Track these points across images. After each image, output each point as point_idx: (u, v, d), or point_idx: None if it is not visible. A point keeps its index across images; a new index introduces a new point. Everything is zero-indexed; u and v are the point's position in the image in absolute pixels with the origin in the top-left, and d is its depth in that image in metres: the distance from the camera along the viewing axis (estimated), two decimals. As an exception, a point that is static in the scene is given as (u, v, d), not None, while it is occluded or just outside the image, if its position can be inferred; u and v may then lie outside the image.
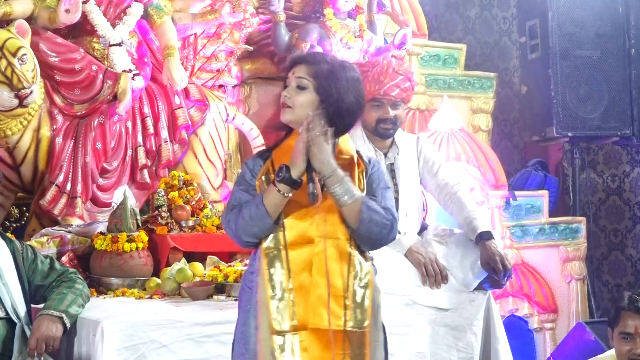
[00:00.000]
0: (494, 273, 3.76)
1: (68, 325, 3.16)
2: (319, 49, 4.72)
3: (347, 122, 2.75)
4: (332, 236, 2.65)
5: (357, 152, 2.82)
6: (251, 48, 4.98)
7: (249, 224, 2.63)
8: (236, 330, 2.77)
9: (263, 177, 2.68)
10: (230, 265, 3.82)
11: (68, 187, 4.12)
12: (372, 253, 3.70)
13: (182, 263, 3.75)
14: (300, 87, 2.69)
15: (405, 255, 3.80)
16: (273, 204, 2.60)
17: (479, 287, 3.86)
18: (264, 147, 2.88)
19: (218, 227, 3.98)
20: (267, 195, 2.61)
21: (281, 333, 2.59)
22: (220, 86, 4.95)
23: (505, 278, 3.81)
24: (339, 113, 2.70)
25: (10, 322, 3.18)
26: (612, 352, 3.55)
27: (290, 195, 2.60)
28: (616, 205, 6.59)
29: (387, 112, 3.96)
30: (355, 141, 3.98)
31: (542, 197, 5.53)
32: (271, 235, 2.65)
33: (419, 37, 5.60)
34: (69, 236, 3.89)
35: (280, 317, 2.59)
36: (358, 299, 2.64)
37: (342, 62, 2.78)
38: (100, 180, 4.31)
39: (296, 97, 2.69)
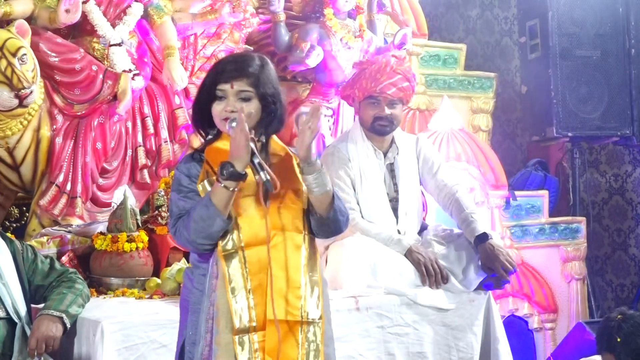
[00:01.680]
0: (493, 274, 3.76)
1: (68, 325, 3.16)
2: (319, 49, 4.72)
3: (283, 118, 2.77)
4: (287, 229, 2.66)
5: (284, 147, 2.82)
6: (251, 48, 4.97)
7: (200, 225, 2.60)
8: (184, 332, 2.75)
9: (205, 181, 2.66)
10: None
11: (68, 187, 4.12)
12: (374, 252, 3.75)
13: (182, 263, 3.75)
14: (245, 99, 2.69)
15: (405, 255, 3.80)
16: (222, 202, 2.58)
17: (479, 287, 3.86)
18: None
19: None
20: (214, 194, 2.59)
21: (243, 334, 2.59)
22: (220, 86, 4.95)
23: (509, 275, 3.82)
24: (278, 110, 2.73)
25: (10, 322, 3.18)
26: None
27: (237, 189, 2.59)
28: (619, 205, 6.58)
29: (383, 110, 3.95)
30: (354, 140, 4.01)
31: (542, 197, 5.53)
32: (227, 237, 2.64)
33: (419, 37, 5.60)
34: (69, 236, 3.89)
35: (242, 318, 2.59)
36: (313, 290, 2.67)
37: (262, 58, 2.76)
38: (100, 180, 4.31)
39: (243, 109, 2.68)
